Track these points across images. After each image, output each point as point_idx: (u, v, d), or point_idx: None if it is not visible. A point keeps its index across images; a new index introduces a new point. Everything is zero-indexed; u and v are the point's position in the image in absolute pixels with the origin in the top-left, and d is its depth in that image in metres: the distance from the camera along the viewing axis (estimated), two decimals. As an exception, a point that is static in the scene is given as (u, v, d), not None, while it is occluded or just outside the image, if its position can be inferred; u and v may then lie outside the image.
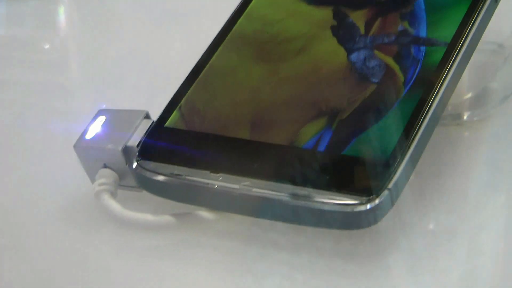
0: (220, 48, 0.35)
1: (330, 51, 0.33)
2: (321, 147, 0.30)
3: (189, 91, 0.33)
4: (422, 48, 0.32)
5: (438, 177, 0.32)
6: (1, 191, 0.35)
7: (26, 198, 0.35)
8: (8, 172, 0.36)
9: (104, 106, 0.35)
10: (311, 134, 0.30)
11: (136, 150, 0.31)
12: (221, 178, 0.29)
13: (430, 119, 0.29)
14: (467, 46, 0.32)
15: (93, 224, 0.32)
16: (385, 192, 0.27)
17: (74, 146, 0.32)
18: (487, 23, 0.33)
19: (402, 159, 0.28)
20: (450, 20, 0.32)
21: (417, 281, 0.29)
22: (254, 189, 0.28)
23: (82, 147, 0.32)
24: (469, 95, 0.39)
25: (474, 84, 0.38)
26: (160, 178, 0.30)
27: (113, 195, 0.32)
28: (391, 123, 0.30)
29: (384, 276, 0.29)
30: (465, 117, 0.38)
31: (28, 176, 0.36)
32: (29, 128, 0.39)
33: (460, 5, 0.33)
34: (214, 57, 0.34)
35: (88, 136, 0.32)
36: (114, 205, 0.31)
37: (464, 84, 0.38)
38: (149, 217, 0.31)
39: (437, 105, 0.30)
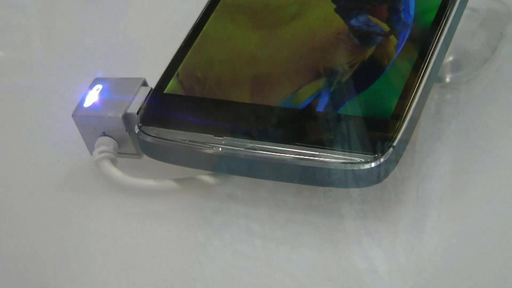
0: (213, 15, 0.35)
1: (325, 15, 0.34)
2: (321, 108, 0.30)
3: (185, 59, 0.33)
4: (412, 11, 0.33)
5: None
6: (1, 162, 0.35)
7: (27, 167, 0.35)
8: (8, 142, 0.37)
9: (100, 74, 0.34)
10: (309, 95, 0.31)
11: (137, 117, 0.31)
12: (224, 141, 0.30)
13: (427, 78, 0.30)
14: (457, 8, 0.32)
15: (93, 192, 0.33)
16: (390, 150, 0.28)
17: (73, 115, 0.32)
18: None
19: (405, 117, 0.29)
20: None
21: (368, 226, 0.30)
22: (259, 151, 0.29)
23: (81, 116, 0.32)
24: (450, 58, 0.40)
25: (454, 48, 0.39)
26: (164, 143, 0.31)
27: (114, 162, 0.32)
28: (390, 83, 0.30)
29: (340, 224, 0.30)
30: (447, 79, 0.39)
31: (28, 147, 0.36)
32: (27, 98, 0.39)
33: None
34: (207, 25, 0.35)
35: (86, 104, 0.32)
36: (115, 172, 0.32)
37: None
38: (151, 182, 0.32)
39: (433, 65, 0.31)
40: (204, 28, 0.35)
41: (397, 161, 0.29)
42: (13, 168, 0.35)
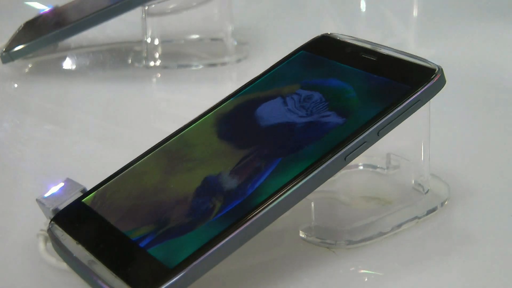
0: (149, 156, 0.43)
1: (197, 176, 0.41)
2: (141, 244, 0.38)
3: (110, 181, 0.42)
4: None
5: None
6: None
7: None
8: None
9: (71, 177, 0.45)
10: (144, 232, 0.38)
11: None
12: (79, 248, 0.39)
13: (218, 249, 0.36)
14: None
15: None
16: None
17: (36, 200, 0.43)
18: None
19: (180, 272, 0.36)
20: None
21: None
22: (89, 262, 0.38)
23: (39, 201, 0.44)
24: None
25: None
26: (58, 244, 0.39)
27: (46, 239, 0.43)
28: (191, 242, 0.37)
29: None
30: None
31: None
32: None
33: None
34: (139, 162, 0.43)
35: (46, 194, 0.43)
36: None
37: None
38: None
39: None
40: (136, 163, 0.43)
41: None
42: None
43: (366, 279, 0.41)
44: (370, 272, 0.42)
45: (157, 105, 0.64)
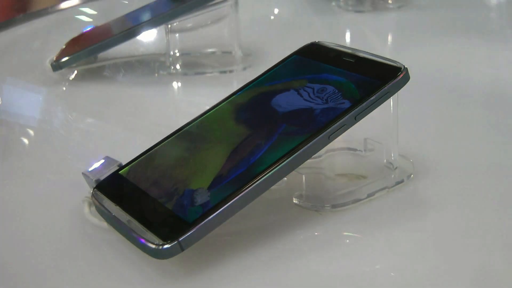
0: (173, 137, 0.45)
1: (212, 153, 0.42)
2: (167, 204, 0.39)
3: (141, 157, 0.44)
4: None
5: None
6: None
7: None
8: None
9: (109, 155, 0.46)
10: (169, 196, 0.39)
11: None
12: (117, 209, 0.40)
13: (221, 212, 0.38)
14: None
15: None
16: (175, 243, 0.37)
17: (82, 173, 0.46)
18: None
19: (197, 226, 0.37)
20: None
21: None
22: (126, 220, 0.39)
23: (84, 174, 0.46)
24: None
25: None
26: (101, 208, 0.41)
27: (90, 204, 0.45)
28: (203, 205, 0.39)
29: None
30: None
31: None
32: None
33: None
34: (165, 142, 0.45)
35: (90, 168, 0.46)
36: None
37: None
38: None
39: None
40: (162, 144, 0.45)
41: (182, 249, 0.37)
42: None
43: (347, 241, 0.43)
44: (350, 234, 0.43)
45: (177, 104, 0.66)
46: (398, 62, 0.43)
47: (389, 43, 0.81)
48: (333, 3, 0.89)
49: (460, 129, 0.55)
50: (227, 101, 0.46)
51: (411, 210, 0.44)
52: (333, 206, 0.45)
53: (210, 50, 0.71)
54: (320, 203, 0.45)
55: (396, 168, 0.47)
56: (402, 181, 0.47)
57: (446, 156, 0.50)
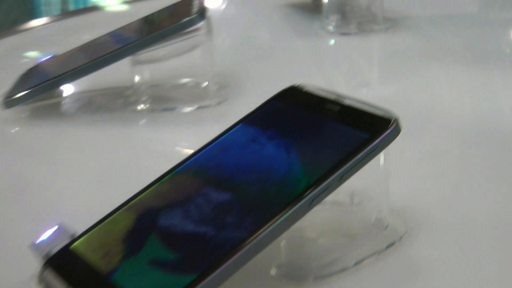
0: (133, 202, 0.42)
1: (169, 229, 0.39)
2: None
3: (97, 226, 0.41)
4: None
5: None
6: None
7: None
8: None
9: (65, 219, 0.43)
10: (121, 274, 0.37)
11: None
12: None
13: None
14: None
15: None
16: None
17: (29, 245, 0.42)
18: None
19: None
20: None
21: None
22: None
23: (31, 246, 0.42)
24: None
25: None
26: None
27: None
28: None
29: None
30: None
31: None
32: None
33: None
34: (124, 208, 0.42)
35: (38, 239, 0.42)
36: None
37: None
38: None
39: None
40: (121, 210, 0.42)
41: None
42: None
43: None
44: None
45: (145, 145, 0.63)
46: (389, 112, 0.42)
47: (375, 70, 0.80)
48: (317, 24, 0.88)
49: (457, 174, 0.54)
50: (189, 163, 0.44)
51: (403, 281, 0.42)
52: (315, 278, 0.42)
53: (181, 81, 0.69)
54: (301, 274, 0.42)
55: (386, 226, 0.45)
56: (393, 243, 0.45)
57: (441, 208, 0.48)
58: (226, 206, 0.39)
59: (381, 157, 0.42)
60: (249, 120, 0.45)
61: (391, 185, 0.44)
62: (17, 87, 0.67)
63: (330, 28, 0.86)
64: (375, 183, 0.44)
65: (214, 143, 0.44)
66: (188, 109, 0.66)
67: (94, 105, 0.68)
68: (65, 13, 1.32)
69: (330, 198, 0.45)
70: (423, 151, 0.57)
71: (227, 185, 0.40)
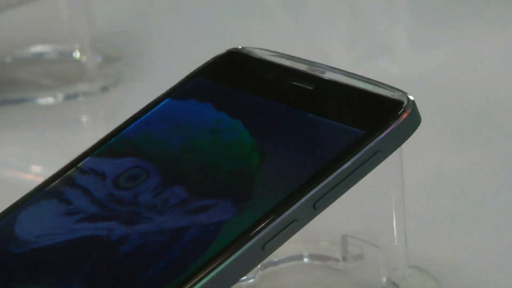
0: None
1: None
2: None
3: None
4: None
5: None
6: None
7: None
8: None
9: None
10: None
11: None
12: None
13: None
14: None
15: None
16: None
17: None
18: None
19: None
20: None
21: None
22: None
23: None
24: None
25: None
26: None
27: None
28: None
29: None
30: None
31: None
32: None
33: None
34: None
35: None
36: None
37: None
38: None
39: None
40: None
41: None
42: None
43: None
44: None
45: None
46: (399, 90, 0.34)
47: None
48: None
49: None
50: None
51: None
52: None
53: (33, 50, 0.55)
54: None
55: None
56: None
57: (480, 262, 0.40)
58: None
59: (390, 170, 0.35)
60: (147, 116, 0.37)
61: (410, 221, 0.37)
62: None
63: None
64: (382, 219, 0.37)
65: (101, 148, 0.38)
66: (48, 100, 0.52)
67: None
68: None
69: (310, 248, 0.41)
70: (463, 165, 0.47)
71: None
